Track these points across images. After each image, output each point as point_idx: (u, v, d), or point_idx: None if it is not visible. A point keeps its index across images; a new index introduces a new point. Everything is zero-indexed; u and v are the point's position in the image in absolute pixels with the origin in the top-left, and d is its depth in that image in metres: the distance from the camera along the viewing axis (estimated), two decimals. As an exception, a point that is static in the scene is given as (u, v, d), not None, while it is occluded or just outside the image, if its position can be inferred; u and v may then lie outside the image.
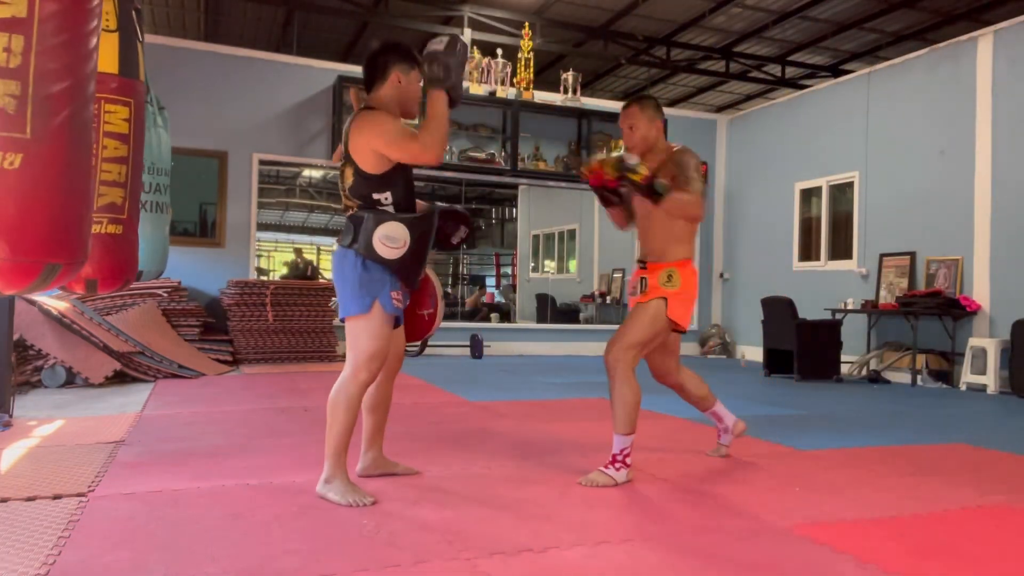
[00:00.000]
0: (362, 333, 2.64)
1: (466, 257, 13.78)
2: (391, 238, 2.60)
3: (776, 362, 7.50)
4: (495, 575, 1.98)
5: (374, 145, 2.60)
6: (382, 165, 2.63)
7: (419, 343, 2.51)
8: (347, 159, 2.69)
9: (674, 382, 3.38)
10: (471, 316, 11.35)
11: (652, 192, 2.97)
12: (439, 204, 2.82)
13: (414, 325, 2.99)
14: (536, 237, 13.33)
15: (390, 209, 2.66)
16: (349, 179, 2.68)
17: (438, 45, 2.64)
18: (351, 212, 2.70)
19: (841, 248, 8.58)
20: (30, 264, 1.79)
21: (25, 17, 1.73)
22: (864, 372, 7.56)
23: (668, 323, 3.08)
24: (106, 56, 3.12)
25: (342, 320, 2.70)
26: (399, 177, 2.68)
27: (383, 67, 2.73)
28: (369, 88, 2.77)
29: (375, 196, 2.66)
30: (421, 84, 2.78)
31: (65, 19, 1.79)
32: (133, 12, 3.23)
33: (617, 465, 2.96)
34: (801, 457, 3.59)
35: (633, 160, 2.99)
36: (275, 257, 13.42)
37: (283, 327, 7.38)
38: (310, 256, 14.01)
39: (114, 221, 3.17)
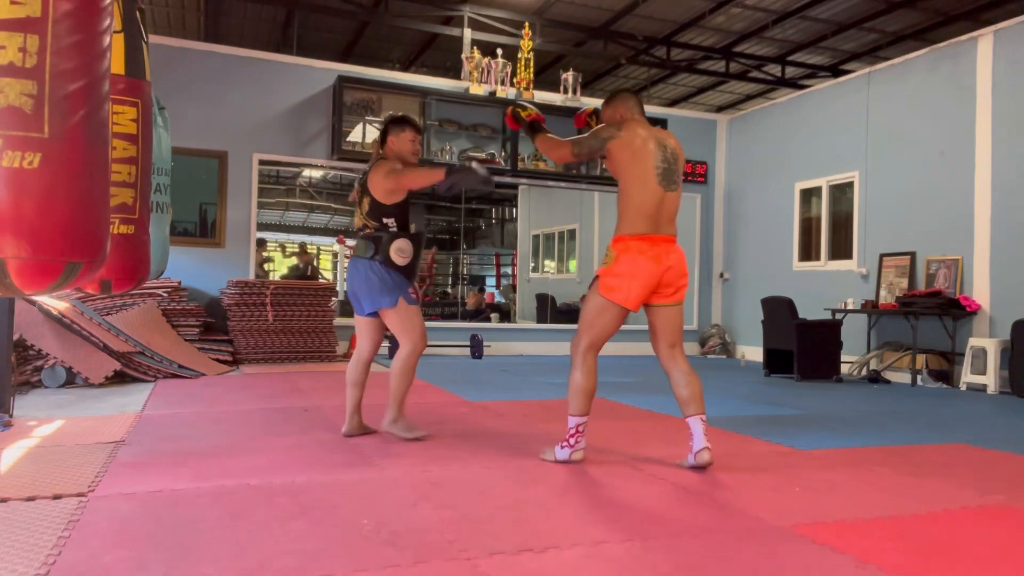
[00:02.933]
0: (405, 321, 3.62)
1: (466, 257, 13.78)
2: (401, 250, 3.61)
3: (776, 362, 7.50)
4: (495, 575, 1.98)
5: (383, 183, 3.60)
6: (391, 197, 3.62)
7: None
8: (365, 193, 3.66)
9: (665, 366, 3.32)
10: (474, 316, 11.36)
11: (530, 129, 3.59)
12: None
13: None
14: (536, 237, 13.33)
15: (393, 228, 3.63)
16: (366, 207, 3.66)
17: (475, 172, 3.43)
18: (367, 232, 3.64)
19: (841, 248, 8.58)
20: (51, 263, 1.79)
21: (40, 17, 1.72)
22: (864, 372, 7.56)
23: (604, 302, 3.19)
24: (113, 57, 3.12)
25: (368, 314, 3.67)
26: (401, 209, 3.67)
27: (384, 134, 3.80)
28: (382, 145, 3.82)
29: (384, 220, 3.64)
30: (414, 143, 3.77)
31: (79, 19, 1.79)
32: (137, 12, 3.23)
33: (562, 444, 3.25)
34: (801, 457, 3.59)
35: (528, 104, 3.69)
36: (280, 260, 13.38)
37: (283, 327, 7.38)
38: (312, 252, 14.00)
39: (126, 221, 3.18)
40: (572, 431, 3.22)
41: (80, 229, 1.82)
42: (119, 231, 3.15)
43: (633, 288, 3.14)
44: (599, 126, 3.39)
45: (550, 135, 3.52)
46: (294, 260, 12.58)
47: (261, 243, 11.69)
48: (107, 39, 1.90)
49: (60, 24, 1.75)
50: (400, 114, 3.89)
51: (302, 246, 12.96)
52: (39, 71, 1.73)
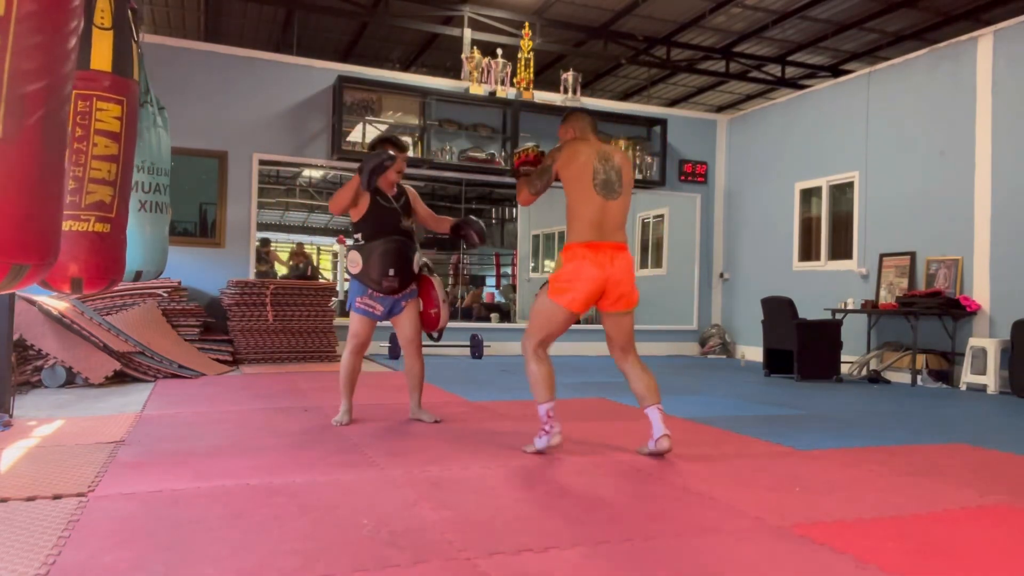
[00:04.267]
0: (350, 323, 4.13)
1: (466, 257, 13.78)
2: (351, 260, 4.08)
3: (776, 362, 7.50)
4: (495, 575, 1.98)
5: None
6: (356, 215, 4.06)
7: (434, 332, 4.29)
8: None
9: (620, 367, 3.55)
10: (468, 314, 11.36)
11: (515, 173, 3.79)
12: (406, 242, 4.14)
13: (426, 320, 4.23)
14: (536, 237, 13.32)
15: (360, 242, 4.06)
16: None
17: (370, 160, 3.86)
18: None
19: (841, 248, 8.58)
20: None
21: (3, 15, 1.69)
22: (864, 372, 7.56)
23: (553, 305, 3.44)
24: (100, 54, 3.10)
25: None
26: (365, 222, 4.06)
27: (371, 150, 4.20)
28: None
29: (355, 234, 4.10)
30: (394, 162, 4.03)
31: (44, 19, 1.75)
32: (129, 11, 3.21)
33: (539, 433, 3.45)
34: (801, 457, 3.59)
35: (524, 147, 3.81)
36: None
37: (283, 327, 7.38)
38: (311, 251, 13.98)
39: (102, 220, 3.12)
40: (544, 418, 3.43)
41: (29, 231, 1.79)
42: (94, 229, 3.08)
43: (579, 293, 3.38)
44: (545, 159, 3.60)
45: (523, 179, 3.71)
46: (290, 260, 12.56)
47: (266, 243, 11.65)
48: (73, 40, 1.88)
49: (23, 23, 1.71)
50: (384, 135, 4.33)
51: (299, 246, 12.90)
52: None
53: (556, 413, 3.46)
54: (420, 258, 4.21)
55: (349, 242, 4.40)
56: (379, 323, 4.20)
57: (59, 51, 1.82)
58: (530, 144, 3.82)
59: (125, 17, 3.19)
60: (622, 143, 9.79)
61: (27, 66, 1.74)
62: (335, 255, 14.78)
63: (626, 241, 3.49)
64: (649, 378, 3.44)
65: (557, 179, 3.54)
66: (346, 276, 12.88)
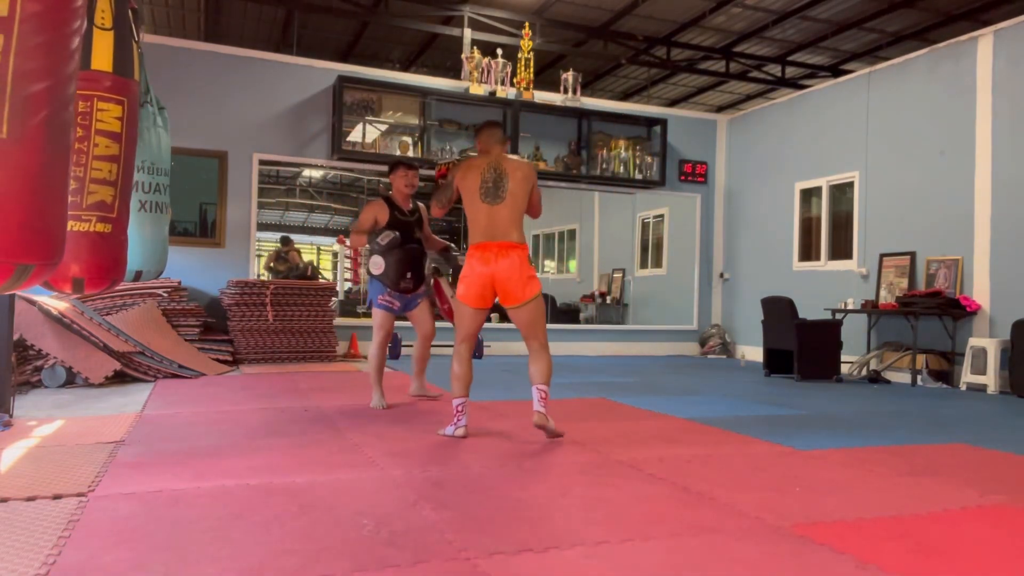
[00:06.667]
0: (374, 318, 4.75)
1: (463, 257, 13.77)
2: (374, 263, 4.68)
3: (776, 362, 7.50)
4: (495, 575, 1.98)
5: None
6: (377, 225, 4.69)
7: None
8: None
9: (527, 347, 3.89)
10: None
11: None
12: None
13: (445, 313, 4.85)
14: (536, 237, 13.33)
15: (381, 247, 4.67)
16: None
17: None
18: None
19: (841, 248, 8.58)
20: (1, 264, 1.76)
21: (6, 16, 1.68)
22: (864, 372, 7.56)
23: (456, 301, 3.92)
24: (101, 54, 3.10)
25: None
26: (388, 229, 4.68)
27: (390, 173, 4.85)
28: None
29: (378, 240, 4.68)
30: (405, 178, 4.76)
31: (47, 19, 1.75)
32: (129, 11, 3.21)
33: (450, 423, 3.85)
34: (801, 457, 3.59)
35: (446, 159, 4.15)
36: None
37: (283, 327, 7.38)
38: (306, 253, 13.86)
39: (103, 220, 3.12)
40: (455, 411, 3.82)
41: (34, 232, 1.78)
42: (95, 229, 3.08)
43: (470, 288, 3.80)
44: (448, 174, 4.06)
45: (435, 192, 4.15)
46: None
47: (286, 241, 11.46)
48: (77, 40, 1.87)
49: (27, 24, 1.70)
50: (400, 158, 5.20)
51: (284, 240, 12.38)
52: (1, 70, 1.70)
53: (467, 408, 3.83)
54: (430, 263, 4.84)
55: (352, 247, 4.99)
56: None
57: (62, 51, 1.82)
58: (455, 157, 4.13)
59: (125, 17, 3.19)
60: (622, 143, 9.79)
61: (31, 66, 1.73)
62: (335, 255, 14.76)
63: (520, 241, 3.81)
64: (544, 364, 3.76)
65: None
66: (344, 276, 12.86)
